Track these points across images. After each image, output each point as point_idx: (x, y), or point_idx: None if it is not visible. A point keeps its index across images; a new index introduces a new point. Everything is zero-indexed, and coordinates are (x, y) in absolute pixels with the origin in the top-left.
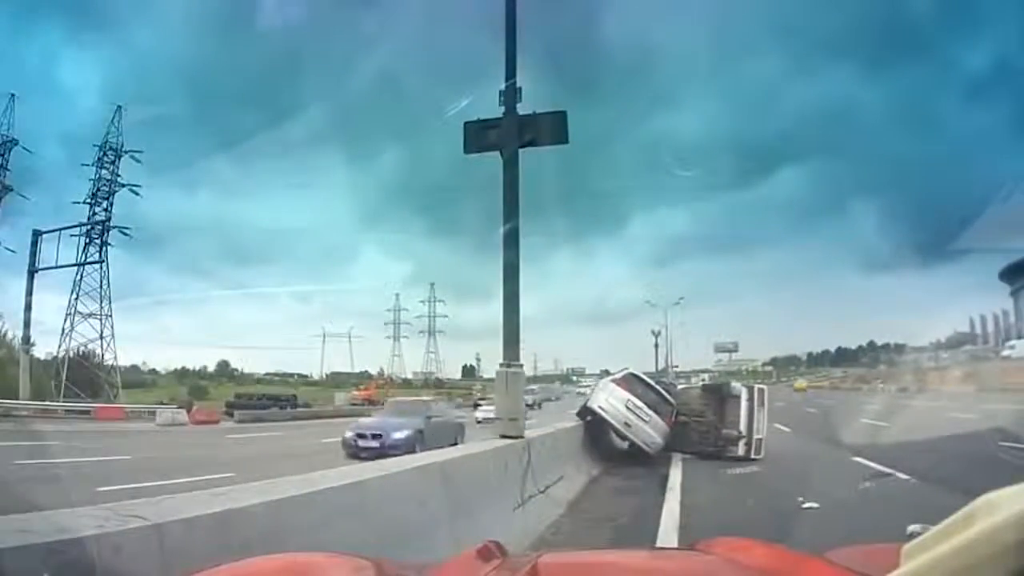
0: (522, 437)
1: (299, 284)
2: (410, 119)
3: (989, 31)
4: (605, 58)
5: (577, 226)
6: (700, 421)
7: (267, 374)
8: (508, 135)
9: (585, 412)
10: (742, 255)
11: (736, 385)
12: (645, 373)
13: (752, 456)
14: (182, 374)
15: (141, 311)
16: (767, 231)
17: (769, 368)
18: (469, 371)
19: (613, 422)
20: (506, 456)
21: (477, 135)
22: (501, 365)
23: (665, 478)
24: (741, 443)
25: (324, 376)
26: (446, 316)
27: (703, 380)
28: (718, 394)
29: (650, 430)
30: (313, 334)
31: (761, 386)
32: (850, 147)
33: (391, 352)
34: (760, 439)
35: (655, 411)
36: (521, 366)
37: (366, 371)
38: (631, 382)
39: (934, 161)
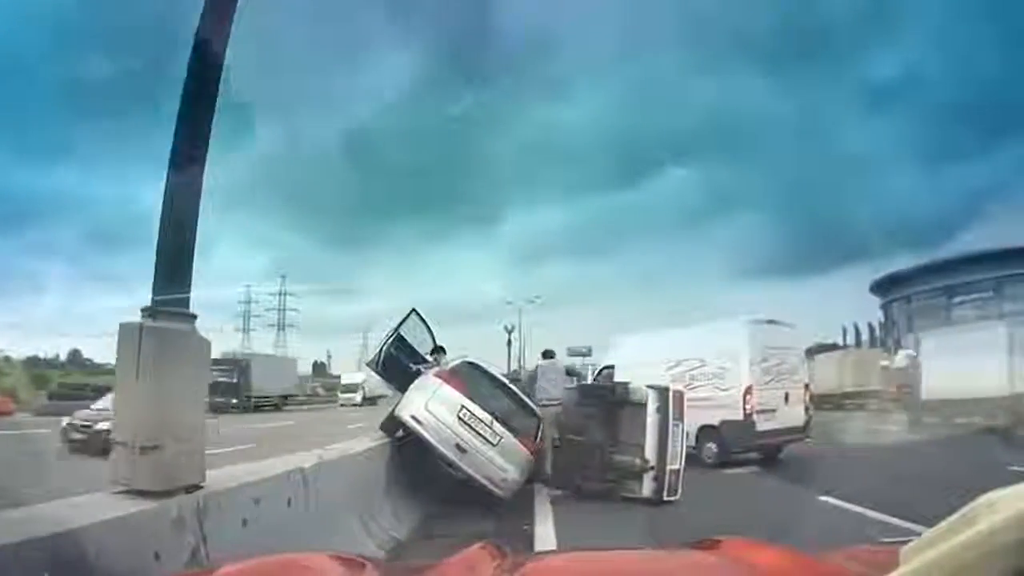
0: (198, 486)
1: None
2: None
3: (892, 45)
4: (494, 42)
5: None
6: (580, 442)
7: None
8: None
9: (392, 425)
10: (613, 258)
11: (639, 387)
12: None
13: (665, 497)
14: (32, 363)
15: None
16: (642, 233)
17: None
18: (320, 368)
19: (436, 444)
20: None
21: None
22: (147, 312)
23: (530, 540)
24: (647, 477)
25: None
26: (296, 310)
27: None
28: (609, 400)
29: (499, 458)
30: None
31: (679, 388)
32: (736, 152)
33: (240, 346)
34: (677, 471)
35: (508, 426)
36: (192, 317)
37: None
38: (468, 378)
39: (818, 171)
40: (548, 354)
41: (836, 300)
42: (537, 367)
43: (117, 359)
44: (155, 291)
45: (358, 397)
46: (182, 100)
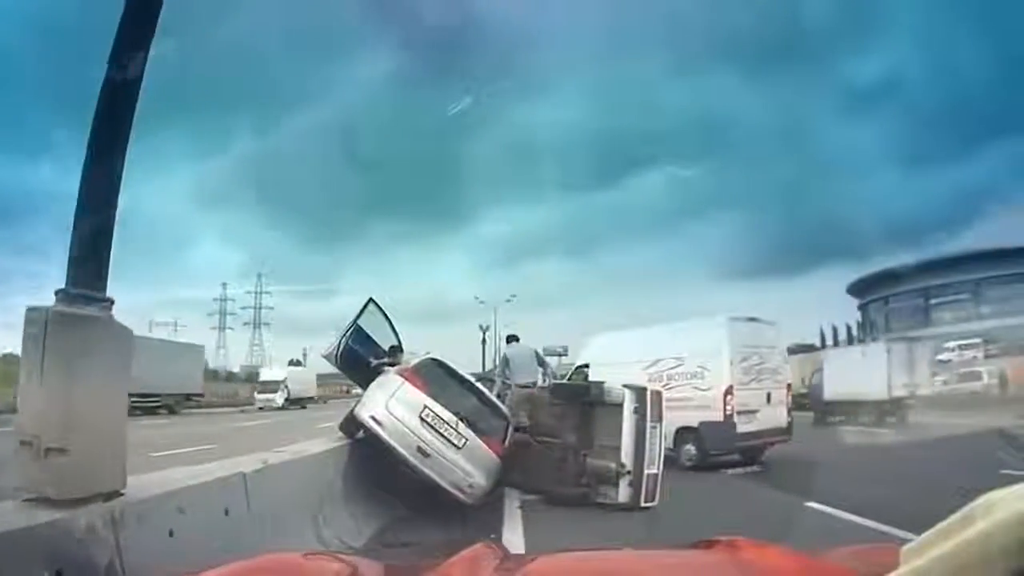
0: (118, 493)
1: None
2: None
3: (871, 49)
4: (472, 42)
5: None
6: (551, 444)
7: None
8: None
9: (352, 426)
10: (591, 258)
11: (615, 387)
12: (474, 375)
13: (642, 504)
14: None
15: None
16: (620, 234)
17: None
18: (296, 366)
19: (397, 447)
20: None
21: None
22: (58, 295)
23: None
24: (623, 482)
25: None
26: (272, 308)
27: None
28: (582, 400)
29: (464, 462)
30: (142, 320)
31: (656, 388)
32: (715, 153)
33: (216, 344)
34: (655, 475)
35: (474, 428)
36: (109, 302)
37: None
38: (432, 376)
39: (797, 173)
40: (512, 338)
41: (814, 301)
42: (505, 354)
43: (23, 348)
44: (69, 273)
45: (279, 399)
46: (103, 90)
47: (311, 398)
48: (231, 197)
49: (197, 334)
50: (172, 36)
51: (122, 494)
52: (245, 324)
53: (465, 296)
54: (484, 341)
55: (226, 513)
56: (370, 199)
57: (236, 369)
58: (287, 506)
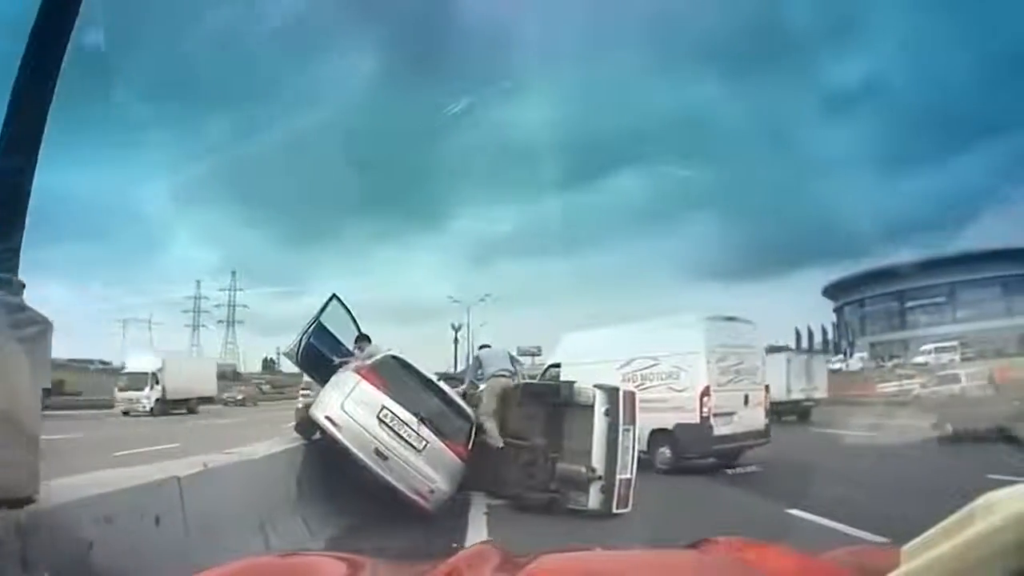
0: (29, 500)
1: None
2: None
3: (851, 51)
4: (446, 41)
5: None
6: (519, 446)
7: (70, 360)
8: None
9: (308, 426)
10: (566, 258)
11: (586, 387)
12: (441, 375)
13: (614, 510)
14: None
15: None
16: (595, 234)
17: None
18: (269, 364)
19: (353, 449)
20: None
21: None
22: None
23: None
24: (594, 487)
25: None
26: (246, 306)
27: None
28: (551, 400)
29: (424, 466)
30: (116, 319)
31: (629, 388)
32: (690, 153)
33: (190, 343)
34: (628, 480)
35: (435, 429)
36: (20, 286)
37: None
38: (391, 374)
39: (776, 175)
40: (485, 347)
41: (790, 303)
42: (477, 354)
43: None
44: None
45: (147, 400)
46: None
47: (207, 399)
48: (206, 195)
49: (171, 332)
50: (146, 30)
51: (34, 501)
52: (219, 322)
53: (439, 295)
54: (456, 340)
55: (157, 522)
56: (345, 198)
57: None
58: (229, 514)
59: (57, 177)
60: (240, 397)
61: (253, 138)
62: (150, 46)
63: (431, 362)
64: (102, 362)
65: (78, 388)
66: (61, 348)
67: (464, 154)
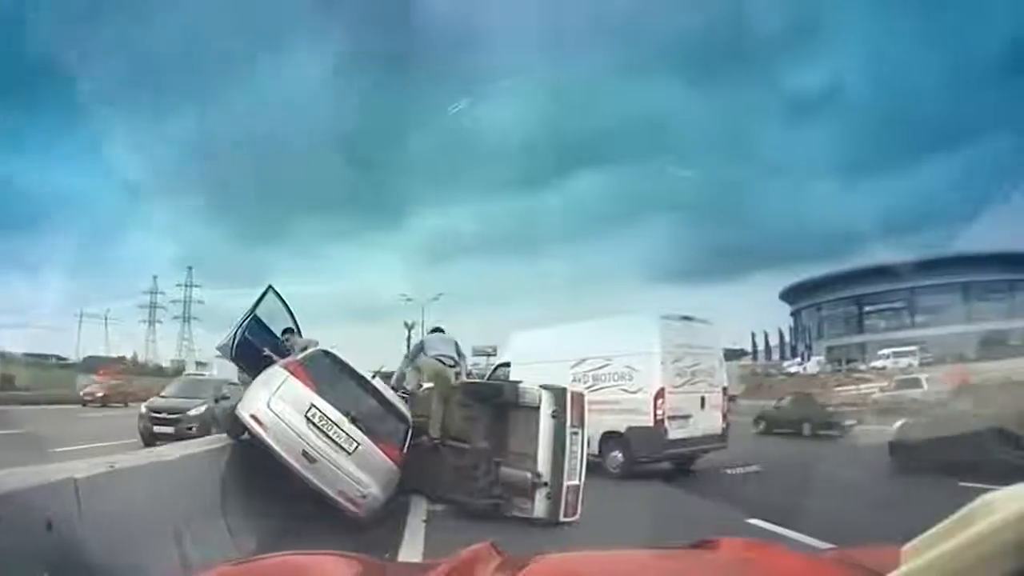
0: None
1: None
2: None
3: (810, 54)
4: (404, 38)
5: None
6: (460, 449)
7: (26, 354)
8: None
9: (236, 426)
10: (522, 258)
11: (531, 387)
12: (384, 373)
13: (560, 518)
14: None
15: None
16: (551, 235)
17: None
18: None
19: (279, 450)
20: None
21: None
22: None
23: None
24: (539, 494)
25: (80, 360)
26: (202, 302)
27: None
28: (496, 402)
29: (355, 469)
30: (74, 313)
31: (578, 389)
32: (649, 155)
33: (145, 338)
34: (576, 487)
35: (368, 431)
36: None
37: (123, 356)
38: (321, 371)
39: (735, 178)
40: (437, 330)
41: (747, 306)
42: (423, 340)
43: None
44: None
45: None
46: None
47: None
48: (163, 191)
49: (127, 327)
50: (105, 24)
51: None
52: (175, 318)
53: (394, 294)
54: (409, 339)
55: (48, 528)
56: (302, 196)
57: (166, 364)
58: (137, 519)
59: (12, 171)
60: None
61: (211, 135)
62: (108, 40)
63: (383, 360)
64: (58, 357)
65: (28, 383)
66: (17, 343)
67: (423, 153)
